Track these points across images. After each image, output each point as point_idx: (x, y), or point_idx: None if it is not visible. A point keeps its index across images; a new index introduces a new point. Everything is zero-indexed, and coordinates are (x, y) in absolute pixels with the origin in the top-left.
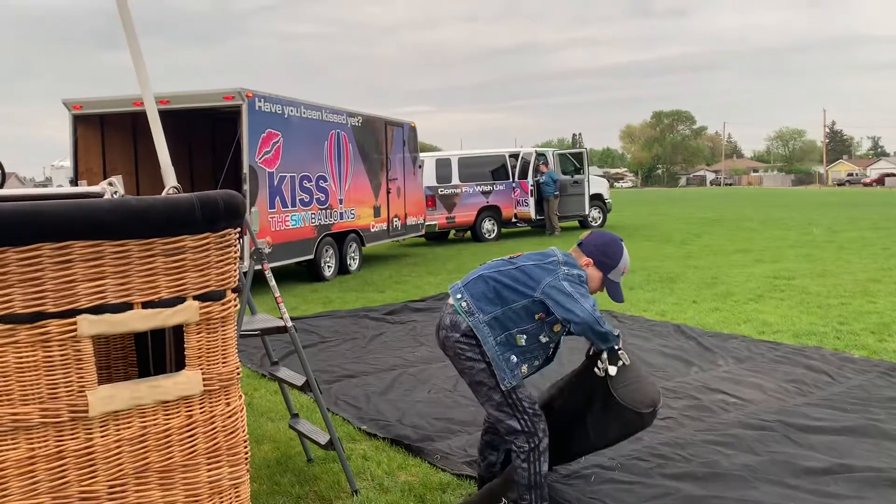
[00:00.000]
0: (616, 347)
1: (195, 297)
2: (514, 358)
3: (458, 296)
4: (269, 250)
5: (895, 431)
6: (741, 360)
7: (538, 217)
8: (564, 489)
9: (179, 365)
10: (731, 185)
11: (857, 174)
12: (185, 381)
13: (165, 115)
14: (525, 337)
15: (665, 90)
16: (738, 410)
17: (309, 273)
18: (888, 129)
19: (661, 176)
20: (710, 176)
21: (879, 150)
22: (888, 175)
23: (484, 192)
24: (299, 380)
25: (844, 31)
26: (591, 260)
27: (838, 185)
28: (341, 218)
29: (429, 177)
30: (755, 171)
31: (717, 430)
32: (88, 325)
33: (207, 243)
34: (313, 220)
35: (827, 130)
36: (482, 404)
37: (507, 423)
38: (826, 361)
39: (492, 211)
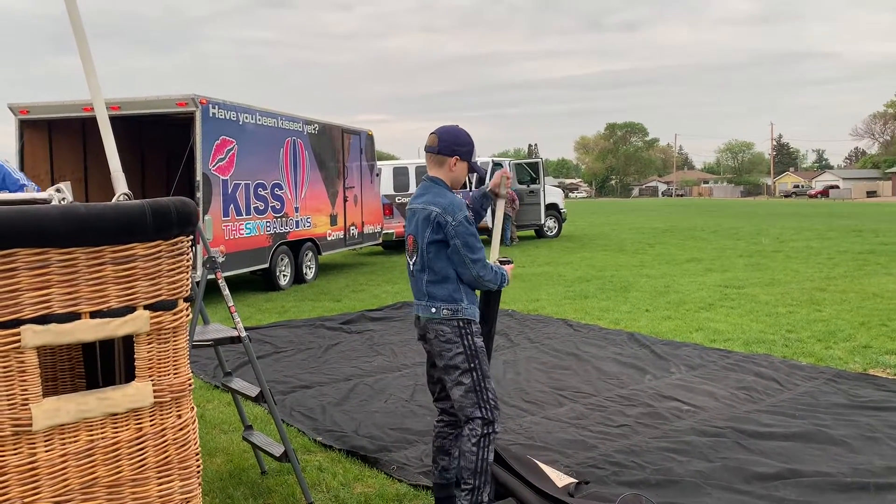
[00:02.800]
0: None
1: (146, 307)
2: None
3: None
4: (223, 259)
5: (841, 437)
6: (693, 367)
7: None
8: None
9: (129, 376)
10: (682, 195)
11: (802, 186)
12: (135, 393)
13: (117, 122)
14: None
15: (618, 103)
16: (691, 417)
17: (264, 282)
18: (832, 142)
19: (615, 186)
20: (662, 187)
21: (824, 162)
22: (832, 187)
23: None
24: (253, 391)
25: (791, 47)
26: (457, 157)
27: (785, 196)
28: (297, 226)
29: (386, 185)
30: (706, 182)
31: (671, 437)
32: (33, 335)
33: (159, 251)
34: (268, 229)
35: (774, 143)
36: (449, 389)
37: (469, 409)
38: (775, 369)
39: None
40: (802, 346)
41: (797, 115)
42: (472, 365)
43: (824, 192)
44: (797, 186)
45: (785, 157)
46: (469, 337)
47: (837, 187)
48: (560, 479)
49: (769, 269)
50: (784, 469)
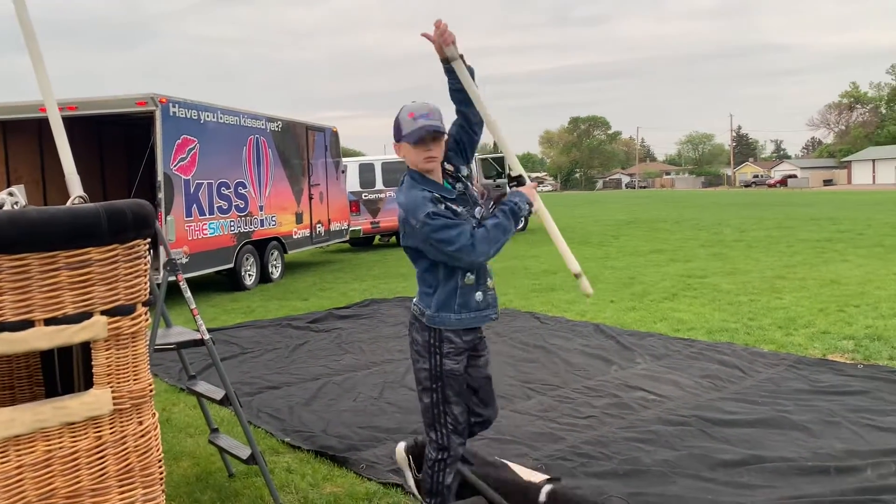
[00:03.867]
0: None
1: (103, 312)
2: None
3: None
4: (186, 260)
5: (803, 422)
6: (658, 357)
7: None
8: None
9: (88, 383)
10: (645, 187)
11: (762, 176)
12: (93, 401)
13: (74, 122)
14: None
15: (581, 97)
16: (656, 407)
17: (229, 282)
18: (789, 132)
19: (580, 179)
20: (626, 179)
21: (782, 152)
22: (790, 176)
23: None
24: (218, 393)
25: (749, 40)
26: (400, 144)
27: (745, 186)
28: (262, 225)
29: (352, 182)
30: (667, 174)
31: (638, 427)
32: None
33: (115, 256)
34: (232, 228)
35: (733, 134)
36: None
37: (427, 427)
38: (738, 356)
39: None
40: (764, 334)
41: (756, 106)
42: (435, 386)
43: (783, 182)
44: (757, 176)
45: (744, 148)
46: (437, 357)
47: (795, 176)
48: (531, 475)
49: (730, 259)
50: (748, 455)
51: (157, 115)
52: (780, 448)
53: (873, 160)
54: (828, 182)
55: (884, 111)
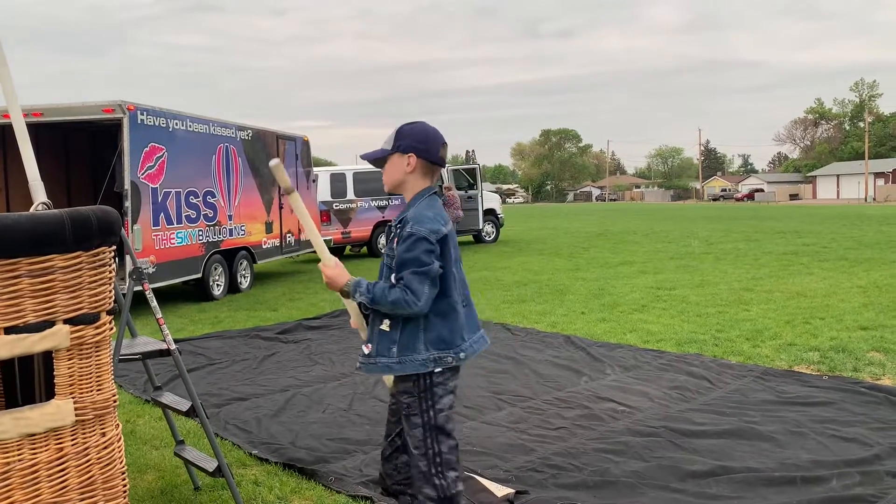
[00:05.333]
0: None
1: (66, 321)
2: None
3: None
4: (153, 270)
5: (770, 433)
6: (628, 368)
7: None
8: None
9: (50, 394)
10: (615, 200)
11: (729, 190)
12: (55, 412)
13: (40, 129)
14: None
15: (553, 109)
16: (626, 418)
17: (196, 292)
18: (757, 147)
19: (551, 192)
20: (596, 192)
21: (749, 166)
22: (757, 190)
23: (380, 207)
24: (184, 405)
25: (718, 55)
26: (421, 161)
27: (713, 199)
28: (231, 234)
29: (323, 192)
30: (637, 187)
31: (608, 438)
32: None
33: (79, 263)
34: (201, 237)
35: (702, 148)
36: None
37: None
38: (706, 368)
39: (388, 226)
40: (732, 345)
41: (724, 121)
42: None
43: (750, 196)
44: (724, 190)
45: (713, 162)
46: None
47: (762, 191)
48: (499, 490)
49: (699, 271)
50: (716, 466)
51: (125, 122)
52: (748, 458)
53: (837, 175)
54: (794, 196)
55: (847, 127)
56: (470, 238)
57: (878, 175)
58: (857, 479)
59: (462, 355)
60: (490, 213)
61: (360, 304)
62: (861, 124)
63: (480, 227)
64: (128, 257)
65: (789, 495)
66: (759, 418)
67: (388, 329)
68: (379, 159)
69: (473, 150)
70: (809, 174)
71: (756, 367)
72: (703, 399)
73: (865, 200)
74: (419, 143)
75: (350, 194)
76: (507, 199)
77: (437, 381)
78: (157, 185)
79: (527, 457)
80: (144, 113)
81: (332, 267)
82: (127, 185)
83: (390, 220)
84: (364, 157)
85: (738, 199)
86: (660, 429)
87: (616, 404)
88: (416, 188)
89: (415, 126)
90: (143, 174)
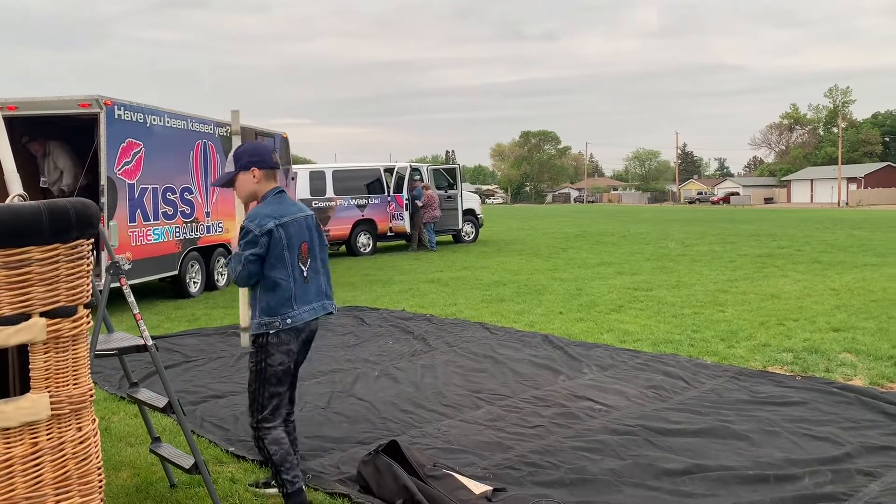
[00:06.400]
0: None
1: (42, 314)
2: None
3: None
4: (129, 266)
5: (744, 432)
6: (605, 367)
7: (413, 231)
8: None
9: (25, 387)
10: (593, 202)
11: (706, 193)
12: (30, 406)
13: (15, 122)
14: None
15: (532, 111)
16: (603, 417)
17: (173, 289)
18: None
19: (530, 193)
20: (574, 193)
21: (725, 170)
22: (733, 194)
23: (359, 206)
24: (161, 401)
25: (696, 60)
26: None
27: (689, 202)
28: (208, 231)
29: (302, 190)
30: (615, 189)
31: (585, 436)
32: None
33: (56, 255)
34: (178, 234)
35: (679, 152)
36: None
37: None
38: (682, 367)
39: (367, 225)
40: (707, 346)
41: (700, 124)
42: None
43: (726, 199)
44: (701, 193)
45: (689, 165)
46: None
47: (738, 194)
48: (476, 487)
49: (675, 273)
50: (691, 464)
51: (102, 117)
52: (722, 457)
53: (811, 180)
54: (768, 200)
55: (822, 133)
56: (449, 238)
57: (850, 180)
58: (828, 477)
59: (289, 321)
60: (470, 214)
61: None
62: (835, 130)
63: (460, 227)
64: (104, 252)
65: (763, 493)
66: (733, 417)
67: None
68: (230, 181)
69: (453, 151)
70: (784, 178)
71: (731, 367)
72: (679, 398)
73: (838, 205)
74: (255, 157)
75: (329, 192)
76: (487, 200)
77: (272, 342)
78: (134, 181)
79: (504, 454)
80: (122, 108)
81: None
82: (103, 181)
83: (371, 219)
84: (216, 184)
85: (713, 203)
86: (636, 427)
87: (593, 403)
88: (265, 191)
89: (244, 147)
90: (119, 170)
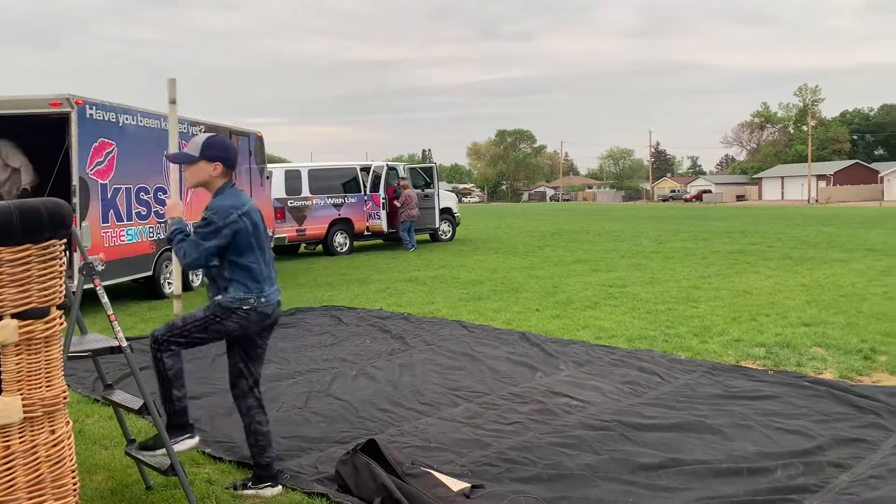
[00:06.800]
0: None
1: (14, 315)
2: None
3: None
4: (103, 267)
5: (717, 426)
6: (581, 364)
7: (390, 230)
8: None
9: None
10: (568, 200)
11: (679, 191)
12: (2, 409)
13: None
14: None
15: (508, 110)
16: (579, 412)
17: (147, 290)
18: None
19: (506, 191)
20: (550, 192)
21: (698, 168)
22: (705, 191)
23: (335, 205)
24: (136, 403)
25: (669, 59)
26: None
27: (663, 200)
28: None
29: (278, 189)
30: (590, 187)
31: (561, 432)
32: None
33: (28, 256)
34: (152, 235)
35: (652, 150)
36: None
37: None
38: (656, 363)
39: (344, 224)
40: (681, 341)
41: (673, 123)
42: None
43: (698, 197)
44: (674, 191)
45: (662, 164)
46: None
47: (710, 192)
48: (455, 484)
49: (649, 269)
50: (666, 459)
51: (73, 117)
52: (697, 451)
53: (782, 177)
54: (740, 197)
55: (792, 131)
56: (426, 237)
57: (820, 177)
58: (800, 469)
59: (262, 299)
60: (446, 212)
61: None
62: (804, 128)
63: (437, 226)
64: (77, 253)
65: (736, 486)
66: (707, 412)
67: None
68: (187, 162)
69: (430, 150)
70: (755, 176)
71: (704, 362)
72: (654, 393)
73: (808, 202)
74: (223, 153)
75: (305, 192)
76: (463, 199)
77: (239, 314)
78: (107, 182)
79: (482, 451)
80: (93, 107)
81: (176, 203)
82: (75, 181)
83: (348, 218)
84: (171, 158)
85: (686, 200)
86: (612, 423)
87: (569, 399)
88: (218, 185)
89: (217, 140)
90: (91, 170)
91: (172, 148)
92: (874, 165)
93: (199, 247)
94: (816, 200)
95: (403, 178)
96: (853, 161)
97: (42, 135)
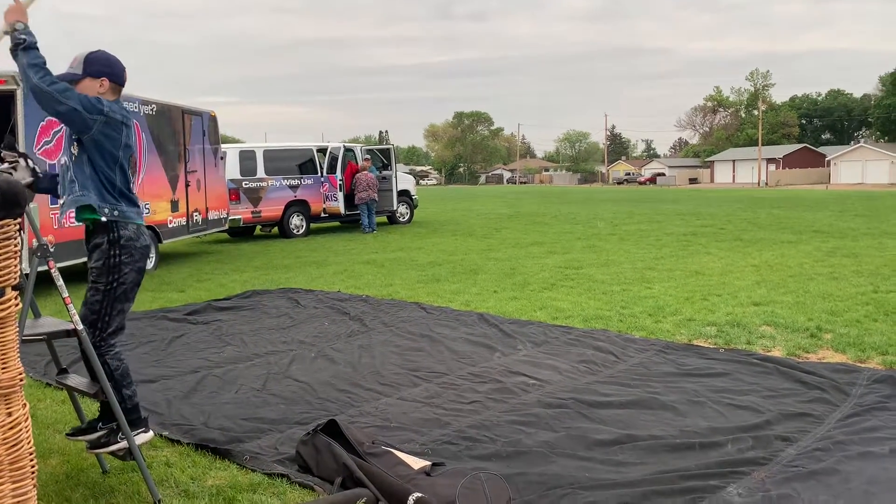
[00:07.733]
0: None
1: None
2: None
3: None
4: (52, 250)
5: (671, 402)
6: (538, 344)
7: (348, 213)
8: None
9: None
10: (525, 182)
11: (633, 174)
12: None
13: None
14: None
15: (466, 91)
16: (537, 391)
17: None
18: (659, 132)
19: (463, 174)
20: (507, 174)
21: (652, 151)
22: (659, 174)
23: (291, 186)
24: (92, 387)
25: (623, 43)
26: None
27: (618, 183)
28: None
29: (232, 170)
30: (546, 170)
31: (519, 410)
32: None
33: None
34: None
35: (608, 133)
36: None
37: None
38: (612, 342)
39: (300, 205)
40: (635, 321)
41: (628, 106)
42: None
43: (652, 180)
44: (629, 174)
45: (617, 147)
46: None
47: (664, 175)
48: (415, 462)
49: (604, 251)
50: (621, 434)
51: (19, 94)
52: (651, 427)
53: (733, 161)
54: (693, 180)
55: (743, 115)
56: (384, 219)
57: (770, 161)
58: (750, 443)
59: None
60: (404, 195)
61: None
62: (755, 112)
63: (395, 209)
64: (29, 234)
65: (689, 460)
66: (661, 389)
67: None
68: (72, 83)
69: (387, 131)
70: (708, 159)
71: (658, 341)
72: (609, 372)
73: (758, 185)
74: (107, 67)
75: (260, 172)
76: (421, 181)
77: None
78: (55, 161)
79: (442, 430)
80: None
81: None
82: None
83: (305, 200)
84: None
85: (641, 183)
86: (568, 400)
87: (527, 378)
88: None
89: (99, 55)
90: (39, 149)
91: None
92: (822, 149)
93: (68, 89)
94: (766, 183)
95: (367, 158)
96: (802, 145)
97: None
